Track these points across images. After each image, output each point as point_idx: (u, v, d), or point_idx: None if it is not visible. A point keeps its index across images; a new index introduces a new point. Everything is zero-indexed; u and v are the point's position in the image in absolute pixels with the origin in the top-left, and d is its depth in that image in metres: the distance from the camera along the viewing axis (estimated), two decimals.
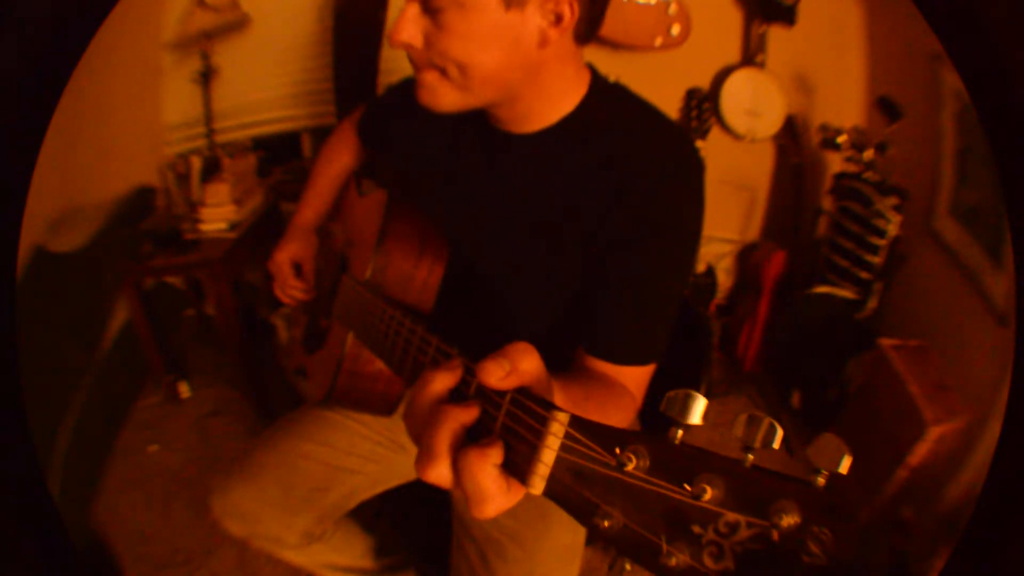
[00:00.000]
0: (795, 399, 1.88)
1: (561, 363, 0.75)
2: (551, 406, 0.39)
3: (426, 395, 0.45)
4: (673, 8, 1.83)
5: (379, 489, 0.99)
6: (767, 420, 0.31)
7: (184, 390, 1.93)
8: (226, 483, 0.93)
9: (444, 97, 0.70)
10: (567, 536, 0.87)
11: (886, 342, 1.56)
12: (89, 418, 1.57)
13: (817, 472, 0.29)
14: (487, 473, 0.40)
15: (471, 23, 0.63)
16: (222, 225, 1.78)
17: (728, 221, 2.19)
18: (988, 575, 0.65)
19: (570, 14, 0.65)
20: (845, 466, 0.28)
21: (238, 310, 1.81)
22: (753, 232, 2.21)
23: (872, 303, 1.76)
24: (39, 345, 1.40)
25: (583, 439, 0.37)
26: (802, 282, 1.94)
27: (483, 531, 0.86)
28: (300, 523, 0.94)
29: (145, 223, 1.81)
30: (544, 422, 0.39)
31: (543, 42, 0.66)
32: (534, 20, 0.65)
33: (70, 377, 1.58)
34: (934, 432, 1.37)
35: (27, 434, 0.75)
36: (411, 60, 0.70)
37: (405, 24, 0.66)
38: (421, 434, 0.43)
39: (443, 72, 0.68)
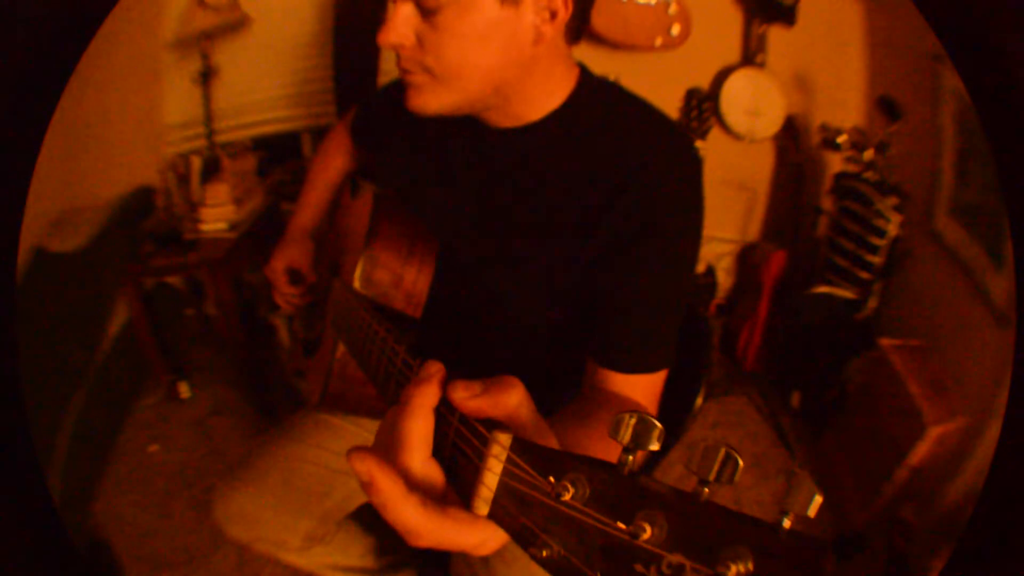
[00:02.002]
0: (795, 399, 1.88)
1: (561, 364, 0.75)
2: (495, 427, 0.37)
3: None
4: (673, 8, 1.83)
5: None
6: (723, 450, 0.28)
7: (184, 390, 1.93)
8: (227, 489, 0.93)
9: (435, 99, 0.68)
10: None
11: (886, 342, 1.56)
12: (89, 418, 1.57)
13: (784, 514, 0.26)
14: (400, 506, 0.37)
15: (469, 22, 0.63)
16: (222, 225, 1.78)
17: (728, 221, 2.19)
18: (988, 575, 0.65)
19: (564, 10, 0.65)
20: (814, 509, 0.25)
21: (238, 310, 1.81)
22: (753, 232, 2.21)
23: (872, 303, 1.76)
24: (39, 345, 1.40)
25: (523, 465, 0.35)
26: (802, 282, 1.94)
27: None
28: (302, 527, 0.94)
29: (145, 223, 1.81)
30: (486, 442, 0.37)
31: (537, 39, 0.66)
32: (528, 17, 0.64)
33: (70, 377, 1.58)
34: (934, 432, 1.37)
35: (27, 434, 0.75)
36: (400, 62, 0.68)
37: (396, 24, 0.65)
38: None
39: (433, 74, 0.66)
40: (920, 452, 1.39)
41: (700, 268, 2.17)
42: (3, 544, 0.68)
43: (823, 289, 1.82)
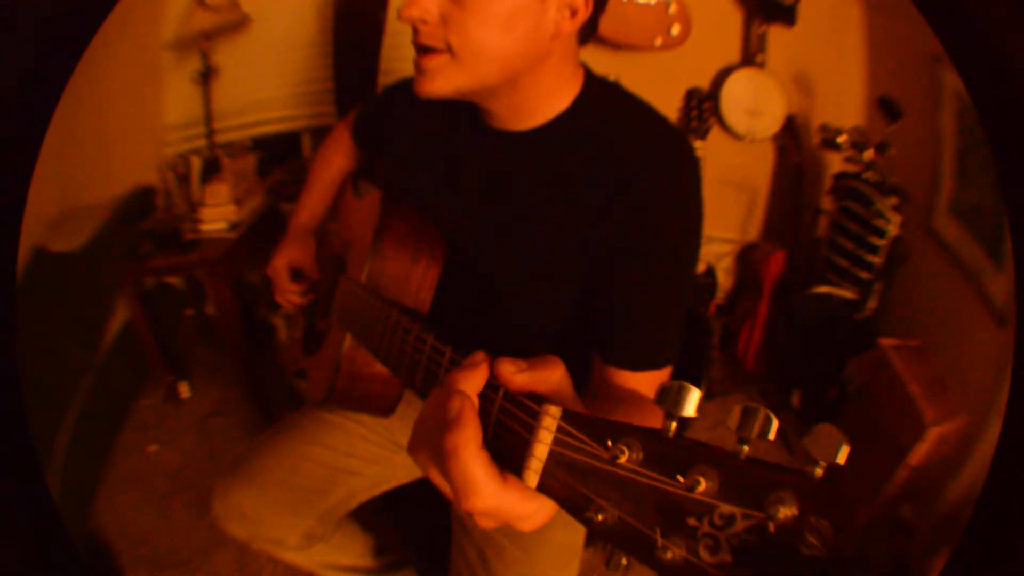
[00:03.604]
0: (795, 399, 1.88)
1: (567, 360, 0.75)
2: (543, 400, 0.39)
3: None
4: (673, 8, 1.83)
5: (379, 490, 0.99)
6: (762, 411, 0.31)
7: (184, 390, 1.93)
8: (227, 486, 0.93)
9: (449, 82, 0.68)
10: (566, 536, 0.87)
11: (886, 342, 1.56)
12: (89, 418, 1.57)
13: (814, 463, 0.28)
14: (472, 453, 0.38)
15: (496, 4, 0.64)
16: (222, 225, 1.78)
17: (728, 221, 2.19)
18: (988, 575, 0.66)
19: (584, 9, 0.67)
20: (843, 456, 0.28)
21: (238, 310, 1.81)
22: (753, 232, 2.21)
23: (872, 303, 1.76)
24: (39, 345, 1.40)
25: (575, 432, 0.37)
26: (802, 282, 1.94)
27: (482, 531, 0.86)
28: (301, 525, 0.94)
29: (145, 223, 1.81)
30: (535, 416, 0.38)
31: (556, 33, 0.67)
32: (551, 11, 0.66)
33: (70, 377, 1.58)
34: (934, 432, 1.37)
35: (27, 434, 0.75)
36: (416, 40, 0.68)
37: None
38: (446, 469, 0.40)
39: (452, 53, 0.66)
40: (920, 452, 1.39)
41: (700, 268, 2.17)
42: (3, 544, 0.68)
43: (823, 289, 1.82)
